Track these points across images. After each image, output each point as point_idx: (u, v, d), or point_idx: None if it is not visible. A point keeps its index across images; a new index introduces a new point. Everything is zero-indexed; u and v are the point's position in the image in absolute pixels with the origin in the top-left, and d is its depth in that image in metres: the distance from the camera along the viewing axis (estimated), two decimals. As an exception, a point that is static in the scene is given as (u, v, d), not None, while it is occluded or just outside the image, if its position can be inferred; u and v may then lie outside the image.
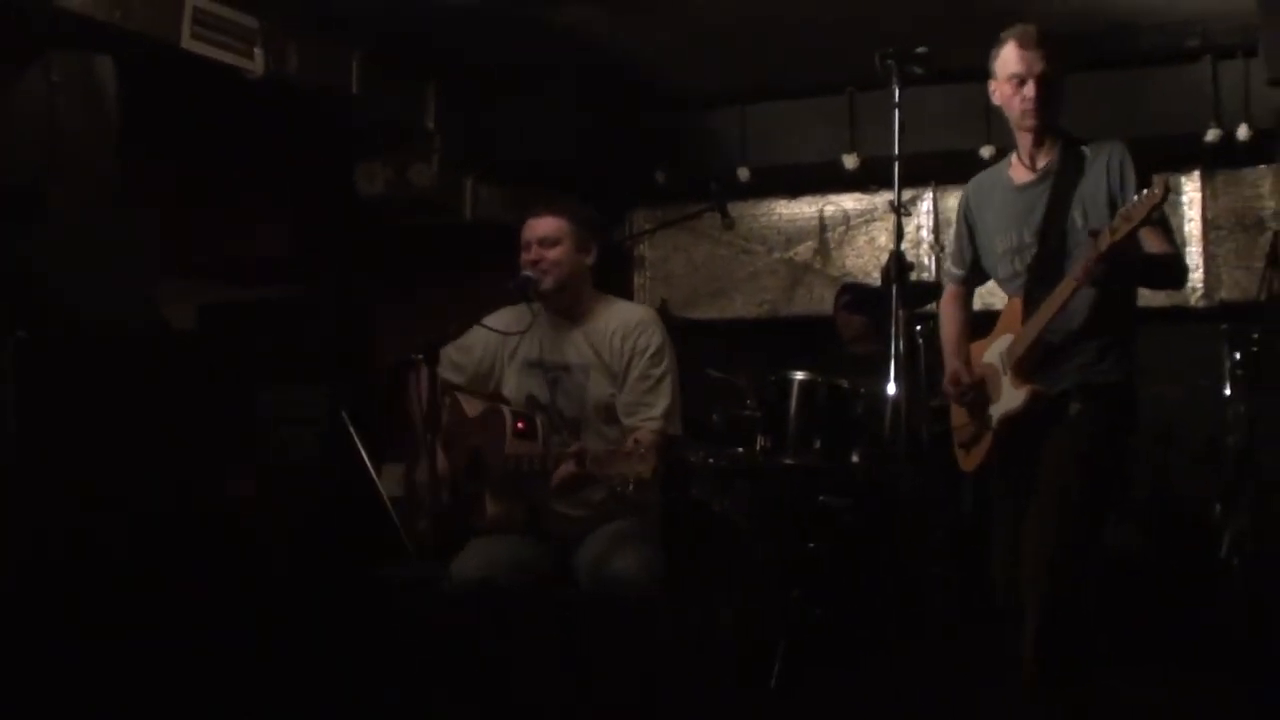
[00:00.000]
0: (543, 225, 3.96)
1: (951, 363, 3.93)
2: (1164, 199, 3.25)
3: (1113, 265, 3.37)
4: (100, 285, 4.11)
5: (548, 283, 3.94)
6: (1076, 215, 3.59)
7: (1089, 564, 3.56)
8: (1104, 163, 3.60)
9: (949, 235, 6.94)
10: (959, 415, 3.94)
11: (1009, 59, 3.67)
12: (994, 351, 3.77)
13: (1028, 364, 3.62)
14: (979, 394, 3.80)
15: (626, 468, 3.43)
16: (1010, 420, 3.66)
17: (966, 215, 4.01)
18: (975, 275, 4.01)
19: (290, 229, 6.50)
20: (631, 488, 3.50)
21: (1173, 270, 3.64)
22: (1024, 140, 3.77)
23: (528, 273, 3.92)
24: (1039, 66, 3.62)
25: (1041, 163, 3.73)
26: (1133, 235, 3.30)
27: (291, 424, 5.03)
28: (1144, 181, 3.50)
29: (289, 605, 4.46)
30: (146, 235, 4.53)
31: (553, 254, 3.93)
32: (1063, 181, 3.65)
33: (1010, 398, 3.66)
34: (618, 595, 3.61)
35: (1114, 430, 3.63)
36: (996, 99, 3.77)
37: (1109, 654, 3.78)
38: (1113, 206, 3.52)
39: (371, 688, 4.23)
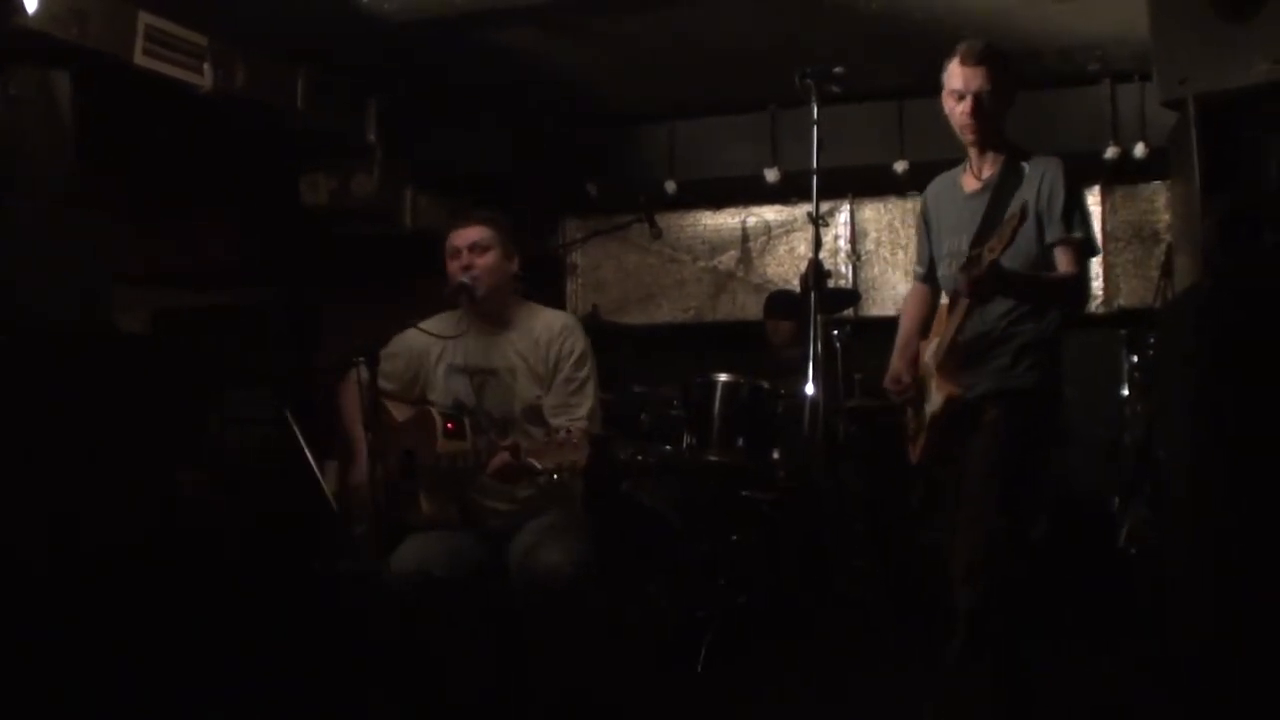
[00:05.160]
0: (472, 233, 4.03)
1: (895, 363, 3.99)
2: (1022, 221, 3.37)
3: (992, 285, 3.50)
4: (53, 290, 4.13)
5: (481, 289, 3.99)
6: None
7: (1015, 560, 3.61)
8: (1038, 178, 3.68)
9: (865, 245, 7.24)
10: (910, 410, 3.97)
11: (953, 74, 3.75)
12: (928, 352, 3.85)
13: (947, 367, 3.70)
14: (918, 393, 3.87)
15: (560, 456, 3.49)
16: (935, 420, 3.74)
17: (925, 215, 4.07)
18: (935, 273, 4.02)
19: (239, 237, 6.46)
20: (567, 475, 3.59)
21: (1062, 293, 3.70)
22: (970, 151, 3.86)
23: (464, 279, 3.98)
24: (975, 83, 3.68)
25: (986, 173, 3.81)
26: (1004, 249, 3.40)
27: (239, 423, 5.04)
28: (1075, 195, 3.65)
29: (235, 597, 4.55)
30: (100, 243, 4.52)
31: (483, 260, 4.00)
32: (1001, 194, 3.71)
33: (933, 399, 3.75)
34: (547, 585, 3.65)
35: (1028, 434, 3.66)
36: (946, 110, 3.83)
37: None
38: (1039, 221, 3.65)
39: (314, 676, 4.34)
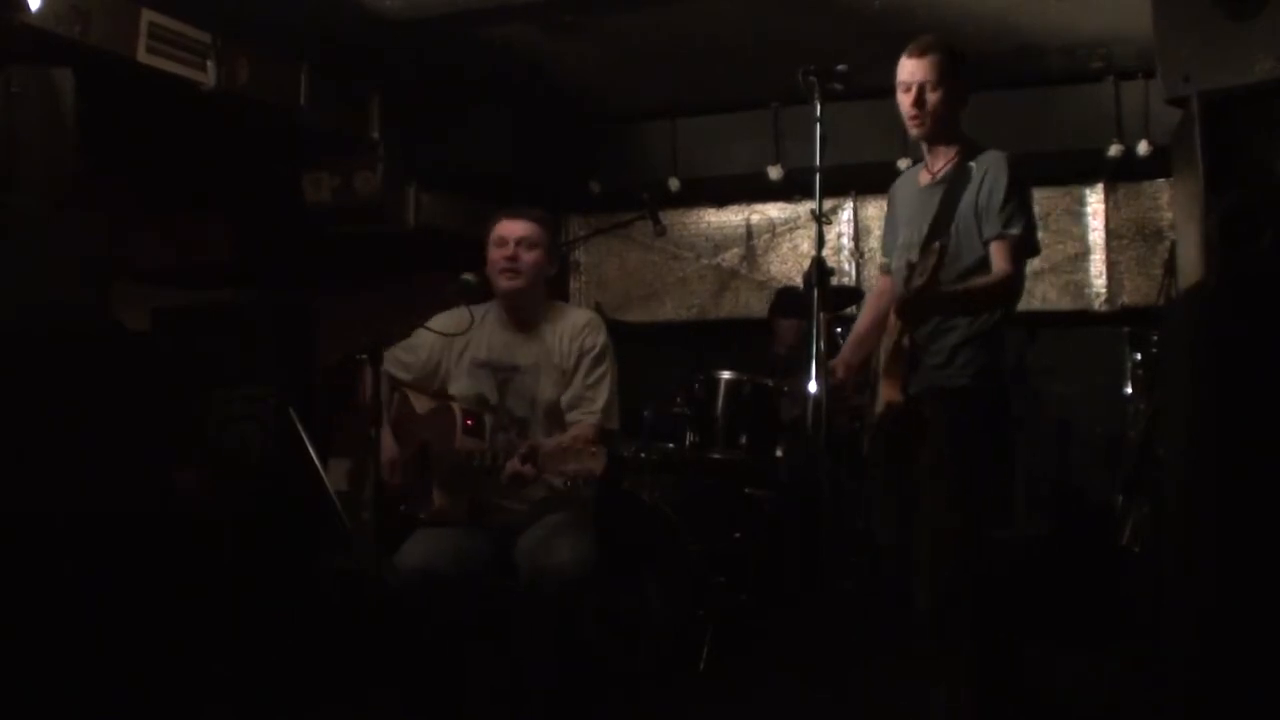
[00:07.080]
0: (523, 227, 4.04)
1: (843, 352, 3.98)
2: (941, 257, 3.38)
3: (920, 313, 3.53)
4: (53, 289, 4.13)
5: (520, 282, 4.01)
6: (954, 228, 3.67)
7: (968, 557, 3.60)
8: (981, 176, 3.67)
9: (869, 242, 7.24)
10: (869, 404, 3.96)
11: (901, 67, 3.75)
12: (880, 349, 3.80)
13: (891, 371, 3.65)
14: (872, 391, 3.84)
15: (579, 464, 3.52)
16: (880, 421, 3.71)
17: (892, 205, 4.10)
18: None
19: (240, 235, 6.48)
20: (583, 483, 3.62)
21: (994, 297, 3.66)
22: (922, 147, 3.86)
23: (467, 276, 3.93)
24: (919, 75, 3.69)
25: (937, 168, 3.81)
26: (930, 285, 3.41)
27: (241, 421, 5.04)
28: (1016, 191, 3.61)
29: (235, 596, 4.56)
30: (100, 242, 4.53)
31: (530, 256, 4.02)
32: (951, 192, 3.71)
33: (879, 402, 3.71)
34: (552, 584, 3.66)
35: (969, 432, 3.64)
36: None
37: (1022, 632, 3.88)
38: (979, 219, 3.64)
39: (316, 675, 4.37)
